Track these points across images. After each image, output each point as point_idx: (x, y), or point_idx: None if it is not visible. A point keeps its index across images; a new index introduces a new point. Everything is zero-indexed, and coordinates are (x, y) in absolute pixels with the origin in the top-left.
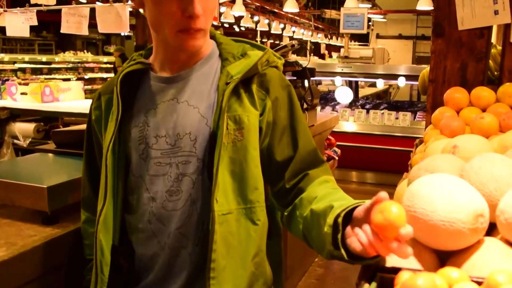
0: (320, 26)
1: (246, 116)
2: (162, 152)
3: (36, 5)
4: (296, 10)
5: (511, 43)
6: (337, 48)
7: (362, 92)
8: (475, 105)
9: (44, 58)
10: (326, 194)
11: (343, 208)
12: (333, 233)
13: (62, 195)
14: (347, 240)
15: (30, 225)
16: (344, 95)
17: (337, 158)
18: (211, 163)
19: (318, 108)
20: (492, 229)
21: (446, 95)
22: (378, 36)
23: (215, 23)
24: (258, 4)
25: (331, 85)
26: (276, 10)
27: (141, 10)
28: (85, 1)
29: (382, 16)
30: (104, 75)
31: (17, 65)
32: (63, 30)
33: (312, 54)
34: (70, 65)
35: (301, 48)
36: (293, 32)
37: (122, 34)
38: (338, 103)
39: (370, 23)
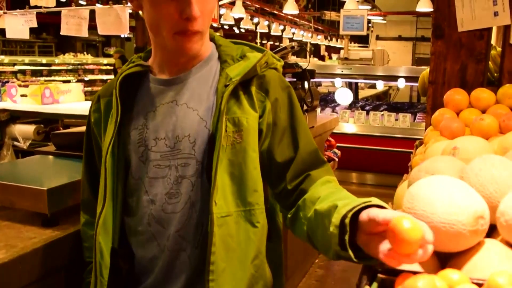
0: (320, 27)
1: (245, 118)
2: (161, 155)
3: (36, 7)
4: (296, 11)
5: (511, 45)
6: (337, 50)
7: (362, 93)
8: (475, 107)
9: (44, 60)
10: (329, 193)
11: (348, 208)
12: (339, 233)
13: (62, 197)
14: (368, 250)
15: (30, 227)
16: (344, 96)
17: (337, 159)
18: (210, 165)
19: (318, 109)
20: (492, 231)
21: (446, 96)
22: (377, 38)
23: (215, 24)
24: (258, 6)
25: (331, 86)
26: (276, 12)
27: (140, 12)
28: (85, 3)
29: (382, 18)
30: (104, 77)
31: (17, 67)
32: (63, 32)
33: (312, 56)
34: (70, 67)
35: (301, 49)
36: (293, 33)
37: (122, 36)
38: (338, 105)
39: (370, 25)
